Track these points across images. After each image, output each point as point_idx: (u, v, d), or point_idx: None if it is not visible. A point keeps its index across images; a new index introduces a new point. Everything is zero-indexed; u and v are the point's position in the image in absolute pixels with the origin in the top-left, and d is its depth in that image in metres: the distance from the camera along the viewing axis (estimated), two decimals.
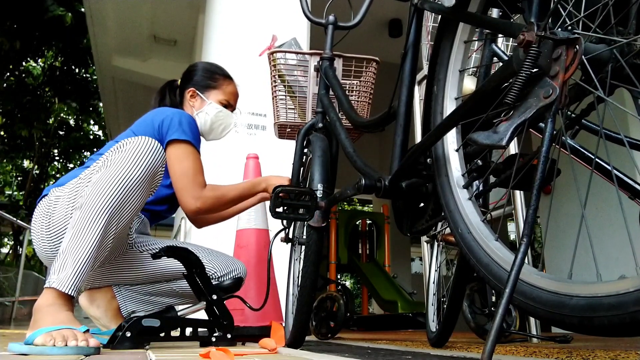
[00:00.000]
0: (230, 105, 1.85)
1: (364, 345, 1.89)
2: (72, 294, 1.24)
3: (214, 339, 1.49)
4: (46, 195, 1.52)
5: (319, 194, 1.37)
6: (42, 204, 1.51)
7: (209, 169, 3.23)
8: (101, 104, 9.87)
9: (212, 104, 1.80)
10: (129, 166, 1.34)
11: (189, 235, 3.42)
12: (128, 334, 1.34)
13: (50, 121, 11.11)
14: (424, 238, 2.72)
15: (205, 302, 1.51)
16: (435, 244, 2.13)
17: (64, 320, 1.22)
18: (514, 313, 2.03)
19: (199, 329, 1.52)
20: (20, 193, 12.52)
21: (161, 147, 1.43)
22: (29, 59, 10.50)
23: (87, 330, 1.23)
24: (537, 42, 0.70)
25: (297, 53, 1.82)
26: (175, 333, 1.51)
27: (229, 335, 1.50)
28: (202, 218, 1.85)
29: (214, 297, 1.51)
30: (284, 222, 1.65)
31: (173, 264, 1.66)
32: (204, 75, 1.85)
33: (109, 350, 1.33)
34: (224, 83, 1.85)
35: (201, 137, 1.80)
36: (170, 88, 1.88)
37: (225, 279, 1.71)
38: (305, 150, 1.64)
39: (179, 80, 1.90)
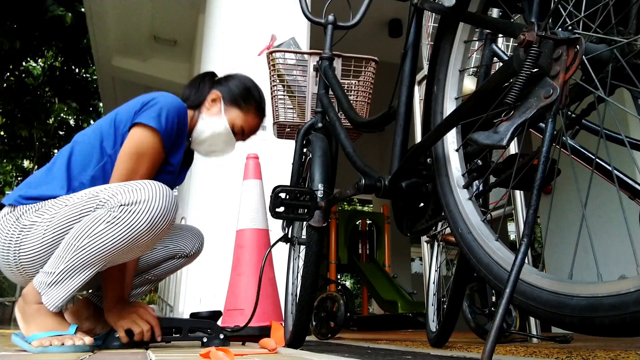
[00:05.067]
0: (239, 133, 1.66)
1: (364, 345, 1.89)
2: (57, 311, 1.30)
3: (205, 340, 1.50)
4: (14, 205, 1.38)
5: (319, 194, 1.37)
6: (9, 219, 1.37)
7: (209, 169, 3.24)
8: (101, 104, 9.87)
9: (223, 121, 1.61)
10: (140, 216, 1.28)
11: None
12: (116, 335, 1.40)
13: (50, 121, 11.11)
14: (424, 238, 2.72)
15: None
16: (435, 244, 2.13)
17: (54, 326, 1.28)
18: (514, 313, 2.03)
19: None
20: None
21: (175, 201, 1.35)
22: (29, 59, 10.50)
23: (77, 329, 1.28)
24: (538, 42, 0.70)
25: (296, 53, 1.82)
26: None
27: (221, 336, 1.51)
28: None
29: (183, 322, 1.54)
30: (284, 223, 1.64)
31: (149, 255, 1.67)
32: (240, 90, 1.65)
33: (107, 350, 1.34)
34: (252, 112, 1.66)
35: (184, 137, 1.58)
36: (209, 80, 1.69)
37: (194, 251, 1.74)
38: (305, 150, 1.64)
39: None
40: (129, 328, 1.43)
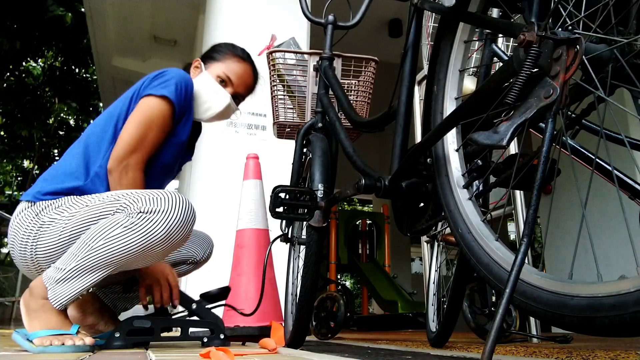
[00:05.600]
0: (227, 82, 1.65)
1: (364, 345, 1.89)
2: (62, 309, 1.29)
3: (205, 339, 1.50)
4: (33, 201, 1.39)
5: (319, 194, 1.37)
6: (28, 214, 1.38)
7: (209, 169, 3.24)
8: (101, 104, 9.87)
9: (205, 75, 1.63)
10: (157, 225, 1.29)
11: None
12: (117, 335, 1.39)
13: (50, 121, 11.10)
14: (424, 238, 2.72)
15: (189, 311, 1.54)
16: (435, 244, 2.13)
17: (56, 324, 1.27)
18: (514, 313, 2.03)
19: (191, 329, 1.53)
20: (20, 193, 12.51)
21: (193, 214, 1.35)
22: (29, 59, 10.49)
23: (79, 329, 1.28)
24: (538, 42, 0.70)
25: (296, 53, 1.82)
26: (171, 334, 1.52)
27: (221, 336, 1.51)
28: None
29: (194, 306, 1.54)
30: (283, 223, 1.64)
31: None
32: (215, 48, 1.71)
33: (108, 350, 1.33)
34: (230, 58, 1.67)
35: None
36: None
37: (203, 258, 1.75)
38: (305, 150, 1.64)
39: None
40: (150, 286, 1.46)
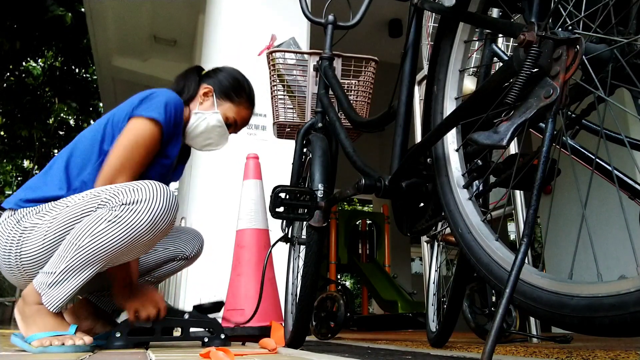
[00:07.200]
0: (233, 125, 1.69)
1: (364, 345, 1.89)
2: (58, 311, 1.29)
3: (206, 340, 1.50)
4: (14, 208, 1.39)
5: (319, 194, 1.37)
6: (9, 222, 1.37)
7: (209, 169, 3.24)
8: (101, 104, 9.87)
9: (216, 115, 1.64)
10: (142, 217, 1.29)
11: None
12: (118, 334, 1.39)
13: (50, 121, 11.10)
14: (424, 238, 2.72)
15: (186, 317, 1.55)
16: (435, 244, 2.13)
17: (54, 326, 1.27)
18: (514, 313, 2.03)
19: (192, 330, 1.53)
20: None
21: (176, 201, 1.36)
22: (29, 59, 10.49)
23: (77, 329, 1.28)
24: (538, 42, 0.70)
25: (296, 53, 1.82)
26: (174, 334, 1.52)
27: (222, 336, 1.51)
28: None
29: (186, 316, 1.53)
30: (283, 223, 1.64)
31: (149, 258, 1.67)
32: (231, 83, 1.68)
33: (108, 350, 1.33)
34: (244, 104, 1.69)
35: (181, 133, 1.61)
36: (197, 74, 1.71)
37: (194, 253, 1.75)
38: (305, 150, 1.64)
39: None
40: (137, 310, 1.45)
